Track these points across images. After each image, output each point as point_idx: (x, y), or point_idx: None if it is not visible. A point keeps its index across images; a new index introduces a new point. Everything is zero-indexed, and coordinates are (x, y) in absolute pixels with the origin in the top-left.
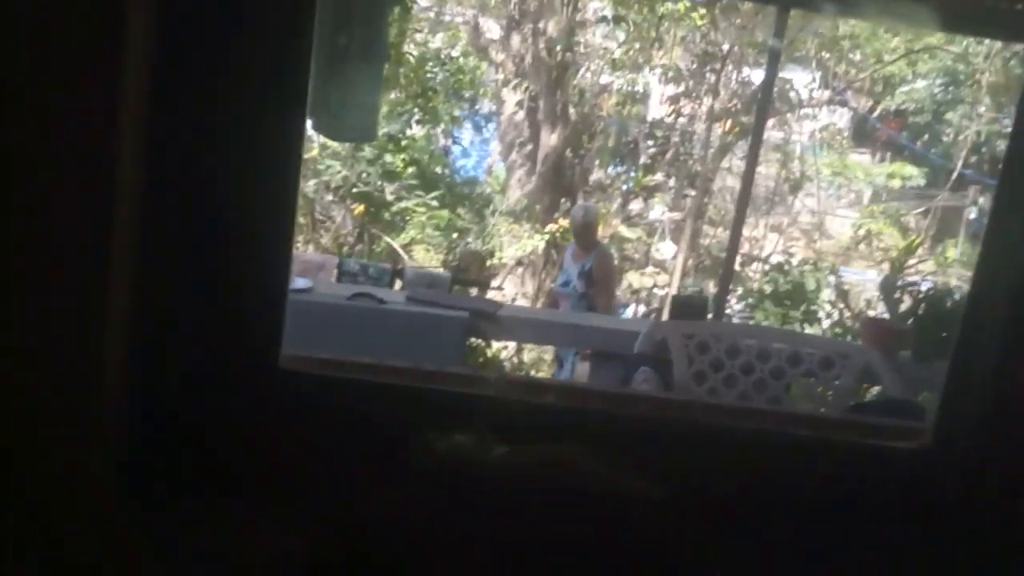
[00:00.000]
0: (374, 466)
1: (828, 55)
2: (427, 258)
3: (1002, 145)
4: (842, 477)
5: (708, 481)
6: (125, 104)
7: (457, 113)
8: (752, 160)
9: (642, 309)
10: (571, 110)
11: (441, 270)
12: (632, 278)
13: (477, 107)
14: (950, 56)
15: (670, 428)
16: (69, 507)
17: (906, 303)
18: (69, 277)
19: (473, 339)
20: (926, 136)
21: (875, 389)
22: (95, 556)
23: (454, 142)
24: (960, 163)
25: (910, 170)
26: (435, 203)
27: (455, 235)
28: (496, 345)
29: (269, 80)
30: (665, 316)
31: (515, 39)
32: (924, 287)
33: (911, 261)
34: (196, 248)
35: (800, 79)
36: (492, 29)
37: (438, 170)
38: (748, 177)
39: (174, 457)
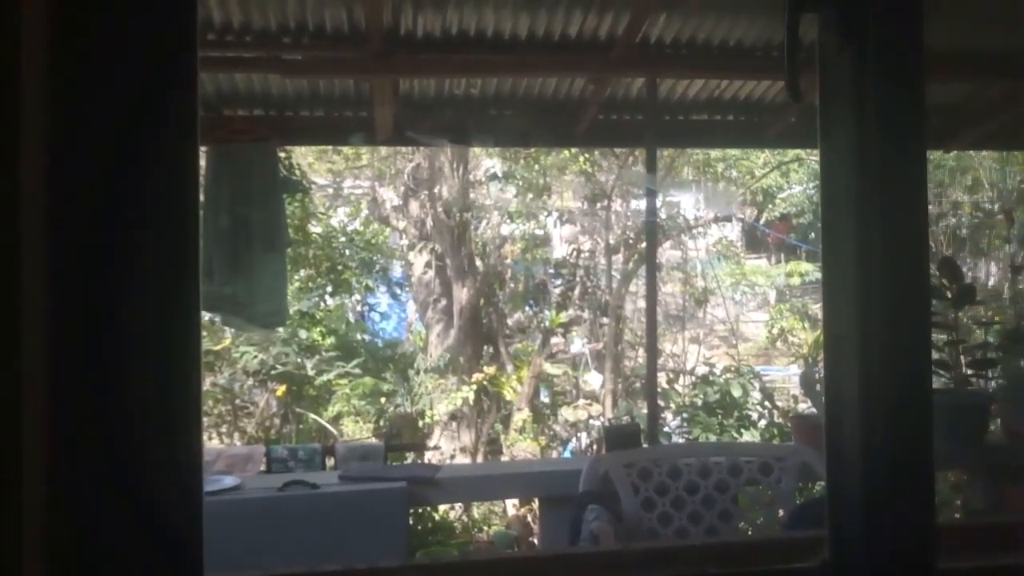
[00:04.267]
0: None
1: (705, 177)
2: (356, 429)
3: None
4: None
5: None
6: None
7: (369, 281)
8: (651, 284)
9: (584, 439)
10: (478, 262)
11: (373, 440)
12: (567, 413)
13: (388, 271)
14: (816, 162)
15: None
16: None
17: None
18: None
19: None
20: (812, 234)
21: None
22: None
23: (370, 309)
24: None
25: (805, 266)
26: (358, 371)
27: (383, 400)
28: (442, 507)
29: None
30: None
31: (413, 205)
32: None
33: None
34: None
35: (686, 201)
36: (391, 198)
37: (358, 337)
38: (651, 301)
39: None
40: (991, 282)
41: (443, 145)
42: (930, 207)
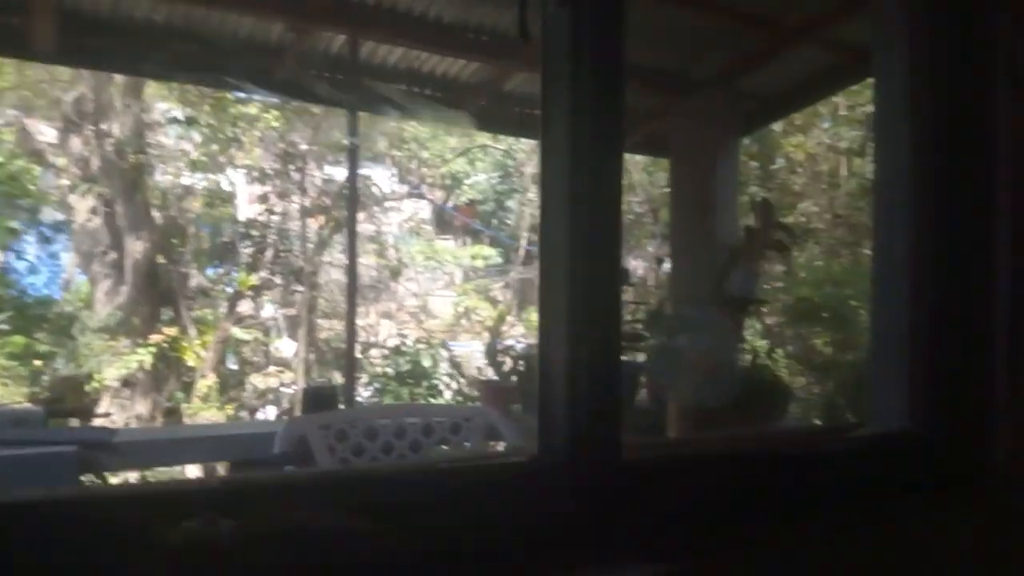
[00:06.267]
0: None
1: (400, 153)
2: (8, 393)
3: None
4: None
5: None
6: None
7: (15, 225)
8: (352, 251)
9: (273, 410)
10: (155, 214)
11: (29, 405)
12: (257, 380)
13: (40, 217)
14: (499, 152)
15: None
16: None
17: (508, 364)
18: None
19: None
20: (494, 221)
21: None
22: None
23: (18, 258)
24: (525, 241)
25: (488, 251)
26: (5, 326)
27: (38, 362)
28: (120, 477)
29: None
30: (298, 412)
31: (75, 142)
32: (520, 348)
33: (504, 327)
34: None
35: (379, 175)
36: (45, 132)
37: (1, 292)
38: (352, 268)
39: None
40: (639, 272)
41: (114, 71)
42: None
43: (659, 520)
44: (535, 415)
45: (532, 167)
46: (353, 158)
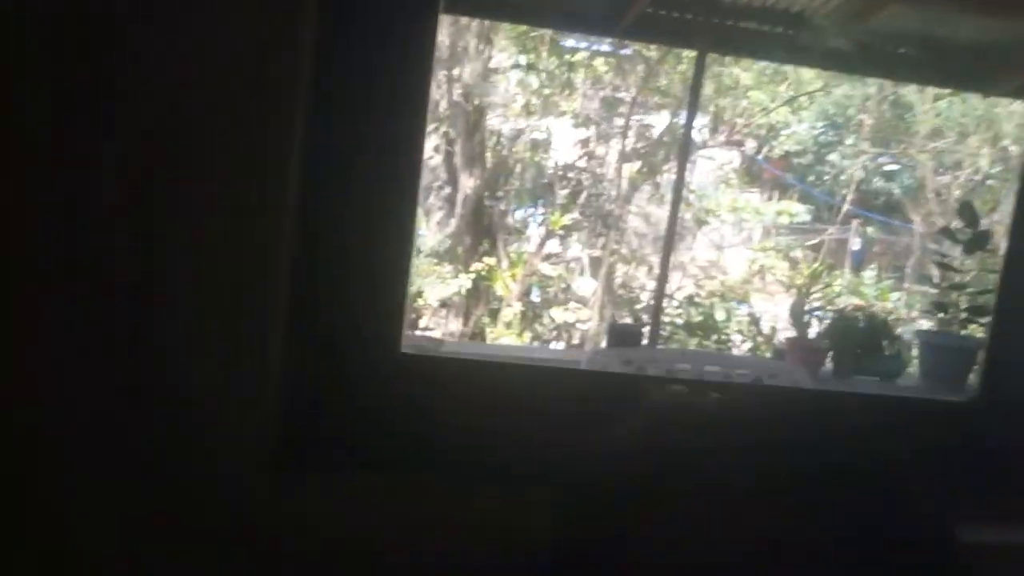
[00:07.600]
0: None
1: (723, 101)
2: None
3: (881, 181)
4: None
5: None
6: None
7: None
8: (676, 199)
9: (561, 344)
10: (487, 154)
11: None
12: (556, 313)
13: None
14: (829, 102)
15: None
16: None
17: (814, 325)
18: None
19: None
20: (811, 177)
21: None
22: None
23: None
24: (845, 199)
25: (797, 207)
26: None
27: None
28: None
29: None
30: (588, 347)
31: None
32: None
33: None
34: (333, 261)
35: (696, 123)
36: None
37: None
38: (673, 215)
39: (318, 439)
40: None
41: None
42: (950, 154)
43: None
44: (844, 380)
45: (870, 119)
46: (694, 102)
